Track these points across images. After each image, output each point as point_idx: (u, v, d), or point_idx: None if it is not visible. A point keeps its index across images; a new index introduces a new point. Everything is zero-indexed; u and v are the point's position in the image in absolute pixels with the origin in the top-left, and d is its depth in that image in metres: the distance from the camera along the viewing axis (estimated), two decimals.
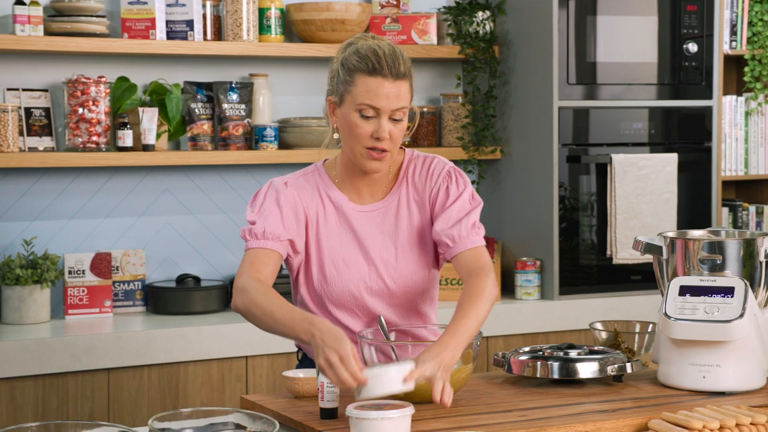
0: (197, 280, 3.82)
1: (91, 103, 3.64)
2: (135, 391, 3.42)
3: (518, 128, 4.15)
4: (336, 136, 2.46)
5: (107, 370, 3.39)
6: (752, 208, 4.45)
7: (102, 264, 3.70)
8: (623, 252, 4.01)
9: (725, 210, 4.39)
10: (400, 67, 2.36)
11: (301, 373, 2.39)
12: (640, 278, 4.10)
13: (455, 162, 4.14)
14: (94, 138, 3.66)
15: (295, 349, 2.75)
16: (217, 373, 3.51)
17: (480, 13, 4.15)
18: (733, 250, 2.45)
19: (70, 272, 3.67)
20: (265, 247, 2.40)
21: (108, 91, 3.69)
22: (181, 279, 3.81)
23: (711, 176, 4.21)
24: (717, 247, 2.46)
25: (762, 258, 2.45)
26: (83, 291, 3.67)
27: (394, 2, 4.11)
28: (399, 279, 2.49)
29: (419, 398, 2.27)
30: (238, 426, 2.03)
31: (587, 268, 4.08)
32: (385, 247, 2.48)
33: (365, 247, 2.48)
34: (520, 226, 4.15)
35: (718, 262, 2.45)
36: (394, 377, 2.11)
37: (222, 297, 3.79)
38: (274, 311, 2.27)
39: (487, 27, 4.16)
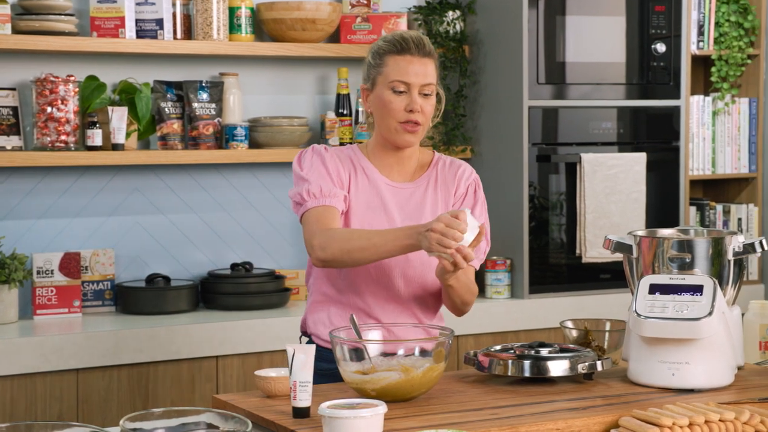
0: (167, 279, 3.81)
1: (59, 102, 3.62)
2: (104, 391, 3.41)
3: (488, 127, 4.16)
4: (370, 120, 2.64)
5: (76, 371, 3.37)
6: (719, 207, 4.49)
7: (71, 264, 3.68)
8: (592, 251, 4.04)
9: (693, 209, 4.43)
10: (425, 47, 2.58)
11: (273, 372, 2.39)
12: (609, 277, 4.12)
13: None
14: (63, 137, 3.63)
15: (270, 349, 2.78)
16: (187, 373, 3.50)
17: (450, 13, 4.16)
18: (702, 249, 2.48)
19: (38, 272, 3.64)
20: (326, 204, 2.54)
21: (77, 90, 3.67)
22: (151, 279, 3.80)
23: (679, 175, 4.25)
24: (686, 246, 2.48)
25: (730, 256, 2.47)
26: (52, 291, 3.65)
27: (365, 2, 4.11)
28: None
29: (392, 397, 2.27)
30: (210, 426, 2.02)
31: (557, 267, 4.10)
32: (409, 219, 2.61)
33: (390, 214, 2.61)
34: (490, 225, 4.14)
35: (687, 260, 2.47)
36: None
37: (191, 297, 3.78)
38: (372, 237, 2.44)
39: (458, 27, 4.17)
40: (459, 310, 2.67)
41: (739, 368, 2.55)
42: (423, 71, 2.56)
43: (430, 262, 2.58)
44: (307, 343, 2.70)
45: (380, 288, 2.61)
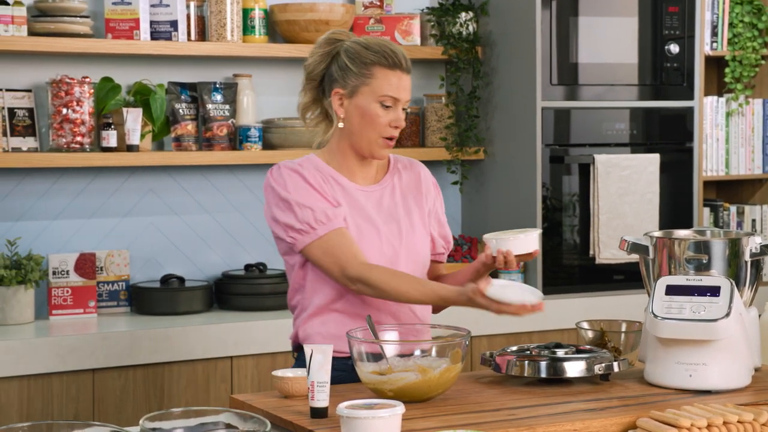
0: (181, 280, 3.82)
1: (75, 103, 3.63)
2: (120, 391, 3.42)
3: (501, 128, 4.16)
4: (341, 125, 2.59)
5: (92, 371, 3.38)
6: (733, 208, 4.49)
7: (86, 264, 3.69)
8: (606, 252, 4.04)
9: (706, 210, 4.43)
10: (409, 62, 2.60)
11: (291, 373, 2.39)
12: (622, 278, 4.12)
13: (439, 162, 4.16)
14: (78, 138, 3.65)
15: (285, 350, 2.78)
16: (202, 373, 3.51)
17: (463, 14, 4.16)
18: (718, 250, 2.48)
19: (54, 273, 3.65)
20: (338, 227, 2.53)
21: (92, 91, 3.68)
22: (166, 279, 3.81)
23: (692, 176, 4.25)
24: (703, 247, 2.48)
25: (747, 257, 2.48)
26: (67, 291, 3.66)
27: (378, 3, 4.12)
28: (404, 244, 2.61)
29: (409, 398, 2.28)
30: (228, 426, 2.03)
31: (570, 267, 4.10)
32: (389, 218, 2.63)
33: (371, 218, 2.61)
34: (503, 226, 4.16)
35: (704, 261, 2.47)
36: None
37: (206, 297, 3.79)
38: (410, 293, 2.49)
39: (471, 28, 4.17)
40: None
41: (756, 370, 2.54)
42: (409, 87, 2.59)
43: (420, 257, 2.64)
44: (298, 357, 2.67)
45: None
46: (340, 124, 2.59)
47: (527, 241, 2.51)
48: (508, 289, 2.44)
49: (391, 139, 2.58)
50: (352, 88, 2.57)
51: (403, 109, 2.59)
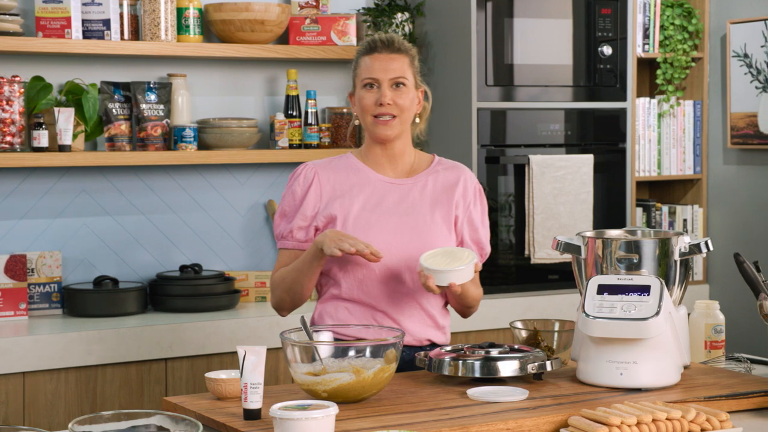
0: (115, 281, 3.78)
1: (4, 102, 3.58)
2: (51, 394, 3.37)
3: (438, 129, 4.18)
4: (357, 122, 2.76)
5: (22, 374, 3.33)
6: (665, 208, 4.55)
7: (17, 266, 3.63)
8: (541, 252, 4.07)
9: (639, 210, 4.48)
10: (394, 44, 2.70)
11: (224, 374, 2.38)
12: (557, 278, 4.16)
13: None
14: (8, 138, 3.59)
15: (220, 351, 2.84)
16: (136, 375, 3.48)
17: (399, 15, 4.17)
18: (649, 250, 2.51)
19: None
20: (285, 248, 2.73)
21: (22, 90, 3.63)
22: (99, 281, 3.77)
23: (625, 177, 4.30)
24: (633, 247, 2.51)
25: (677, 257, 2.51)
26: None
27: (314, 3, 4.11)
28: (419, 239, 2.66)
29: (343, 398, 2.28)
30: (160, 428, 2.01)
31: (506, 267, 4.13)
32: (407, 214, 2.70)
33: (387, 210, 2.69)
34: None
35: (635, 261, 2.50)
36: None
37: (140, 299, 3.75)
38: (295, 266, 2.66)
39: (407, 29, 4.18)
40: (464, 313, 2.80)
41: (686, 367, 2.58)
42: (390, 66, 2.67)
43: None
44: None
45: (386, 284, 2.66)
46: (356, 122, 2.76)
47: (446, 276, 2.51)
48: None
49: (388, 116, 2.66)
50: (353, 86, 2.75)
51: (398, 85, 2.66)
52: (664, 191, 4.70)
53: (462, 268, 2.52)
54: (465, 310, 2.79)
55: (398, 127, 2.69)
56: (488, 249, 2.82)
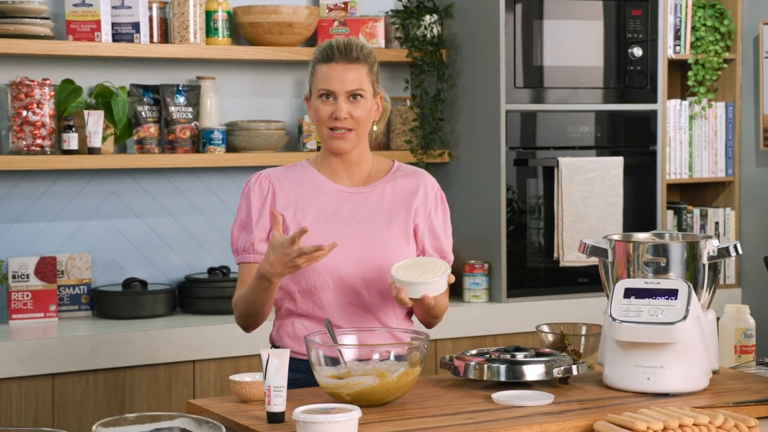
0: (144, 284, 3.79)
1: (35, 105, 3.60)
2: (80, 396, 3.39)
3: (466, 131, 4.16)
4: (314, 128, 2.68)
5: (52, 376, 3.35)
6: (696, 211, 4.51)
7: (47, 268, 3.66)
8: (570, 255, 4.04)
9: (670, 213, 4.44)
10: (352, 53, 2.57)
11: (248, 377, 2.38)
12: (586, 281, 4.13)
13: None
14: (39, 141, 3.61)
15: (248, 353, 2.81)
16: (164, 377, 3.49)
17: (427, 17, 4.16)
18: (676, 253, 2.48)
19: (14, 276, 3.62)
20: (251, 261, 2.61)
21: (53, 93, 3.65)
22: (128, 283, 3.78)
23: (656, 179, 4.26)
24: (661, 250, 2.49)
25: (705, 260, 2.48)
26: (27, 295, 3.63)
27: (342, 5, 4.11)
28: (374, 250, 2.57)
29: (367, 402, 2.27)
30: (183, 431, 2.01)
31: (535, 270, 4.11)
32: (364, 224, 2.61)
33: (343, 221, 2.59)
34: (468, 229, 4.17)
35: (662, 264, 2.48)
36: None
37: (168, 301, 3.76)
38: (245, 293, 2.55)
39: (435, 30, 4.17)
40: (429, 323, 2.69)
41: (714, 372, 2.55)
42: (347, 77, 2.55)
43: (389, 265, 2.54)
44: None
45: (343, 298, 2.57)
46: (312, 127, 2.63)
47: (420, 288, 2.42)
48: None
49: (338, 130, 2.56)
50: (309, 92, 2.63)
51: (356, 97, 2.56)
52: (695, 194, 4.66)
53: (436, 279, 2.42)
54: (431, 320, 2.66)
55: (354, 140, 2.59)
56: (451, 257, 2.69)
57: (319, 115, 2.58)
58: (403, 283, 2.43)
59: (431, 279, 2.43)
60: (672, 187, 4.61)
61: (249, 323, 2.61)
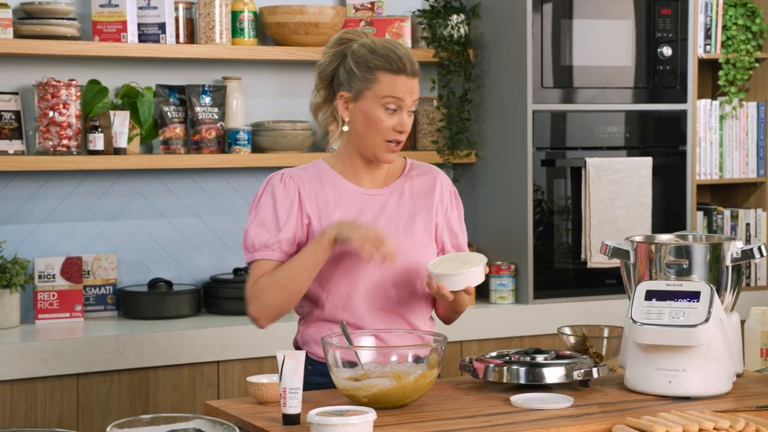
0: (169, 284, 3.80)
1: (61, 106, 3.62)
2: (105, 396, 3.40)
3: (493, 132, 4.14)
4: (345, 129, 2.58)
5: (77, 375, 3.37)
6: (727, 212, 4.45)
7: (73, 268, 3.67)
8: (597, 256, 4.01)
9: (700, 214, 4.39)
10: (415, 66, 2.56)
11: (265, 379, 2.37)
12: (614, 282, 4.09)
13: None
14: (65, 141, 3.63)
15: (272, 354, 2.78)
16: (189, 378, 3.49)
17: (454, 17, 4.14)
18: (699, 255, 2.45)
19: (40, 276, 3.64)
20: (275, 258, 2.54)
21: (79, 94, 3.67)
22: (153, 283, 3.79)
23: (686, 180, 4.22)
24: (683, 252, 2.46)
25: (728, 262, 2.45)
26: (53, 296, 3.64)
27: (369, 5, 4.10)
28: (400, 251, 2.51)
29: (383, 404, 2.25)
30: None
31: (562, 272, 4.07)
32: (389, 224, 2.59)
33: (370, 221, 2.57)
34: (495, 229, 4.14)
35: (685, 266, 2.44)
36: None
37: (194, 301, 3.77)
38: (292, 261, 2.50)
39: (462, 30, 4.15)
40: (451, 319, 2.69)
41: (738, 375, 2.52)
42: (414, 91, 2.55)
43: (417, 265, 2.55)
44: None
45: (372, 301, 2.55)
46: (345, 128, 2.57)
47: (461, 279, 2.43)
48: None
49: (396, 143, 2.54)
50: (356, 92, 2.55)
51: (411, 111, 2.55)
52: (726, 195, 4.60)
53: (475, 268, 2.44)
54: (454, 316, 2.66)
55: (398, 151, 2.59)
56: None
57: (382, 125, 2.52)
58: (442, 277, 2.43)
59: (471, 268, 2.43)
60: (702, 188, 4.56)
61: (275, 307, 2.51)
